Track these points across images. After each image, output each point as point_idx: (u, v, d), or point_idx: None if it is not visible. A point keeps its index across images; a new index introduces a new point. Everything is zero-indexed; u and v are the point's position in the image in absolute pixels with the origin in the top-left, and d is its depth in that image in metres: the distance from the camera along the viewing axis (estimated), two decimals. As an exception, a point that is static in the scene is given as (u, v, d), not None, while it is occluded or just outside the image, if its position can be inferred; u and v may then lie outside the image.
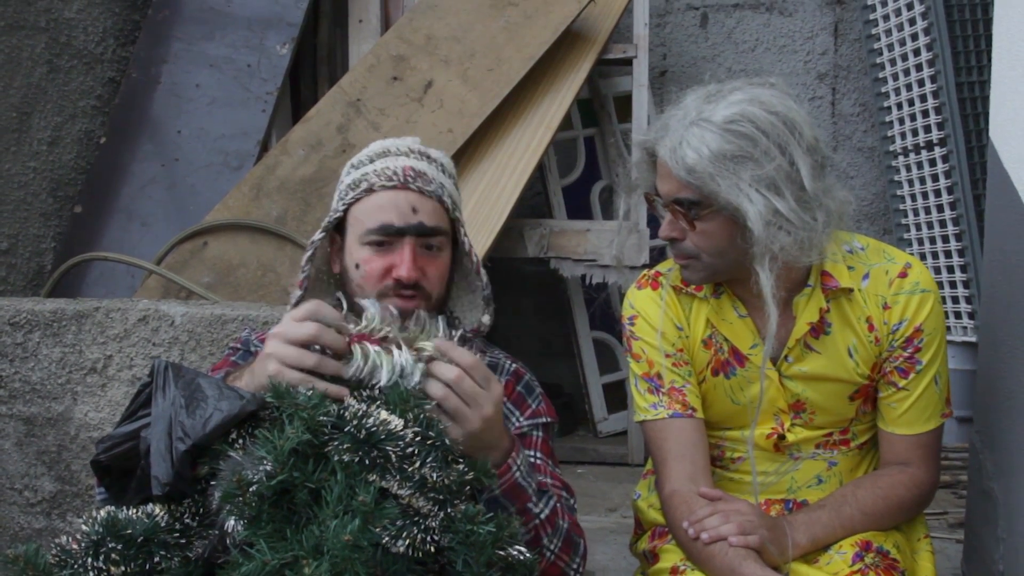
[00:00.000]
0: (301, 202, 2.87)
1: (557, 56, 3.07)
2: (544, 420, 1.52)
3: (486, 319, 1.51)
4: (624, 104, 3.45)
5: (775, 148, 1.41)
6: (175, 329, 2.23)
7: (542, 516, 1.34)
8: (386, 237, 1.41)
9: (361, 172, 1.45)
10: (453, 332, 1.39)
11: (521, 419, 1.49)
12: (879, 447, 1.60)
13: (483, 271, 1.51)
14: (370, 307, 1.28)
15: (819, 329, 1.54)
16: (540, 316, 3.86)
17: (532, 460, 1.45)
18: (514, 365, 1.55)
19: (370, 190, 1.43)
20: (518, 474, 1.31)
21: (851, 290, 1.52)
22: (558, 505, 1.38)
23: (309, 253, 1.48)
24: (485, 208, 2.87)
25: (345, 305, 1.43)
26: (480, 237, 2.80)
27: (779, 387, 1.56)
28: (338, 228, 1.48)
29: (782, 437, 1.58)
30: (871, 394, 1.58)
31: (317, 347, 1.22)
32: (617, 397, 3.60)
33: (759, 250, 1.41)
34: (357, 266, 1.42)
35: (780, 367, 1.55)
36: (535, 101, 3.02)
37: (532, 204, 3.72)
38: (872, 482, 1.55)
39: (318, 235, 1.47)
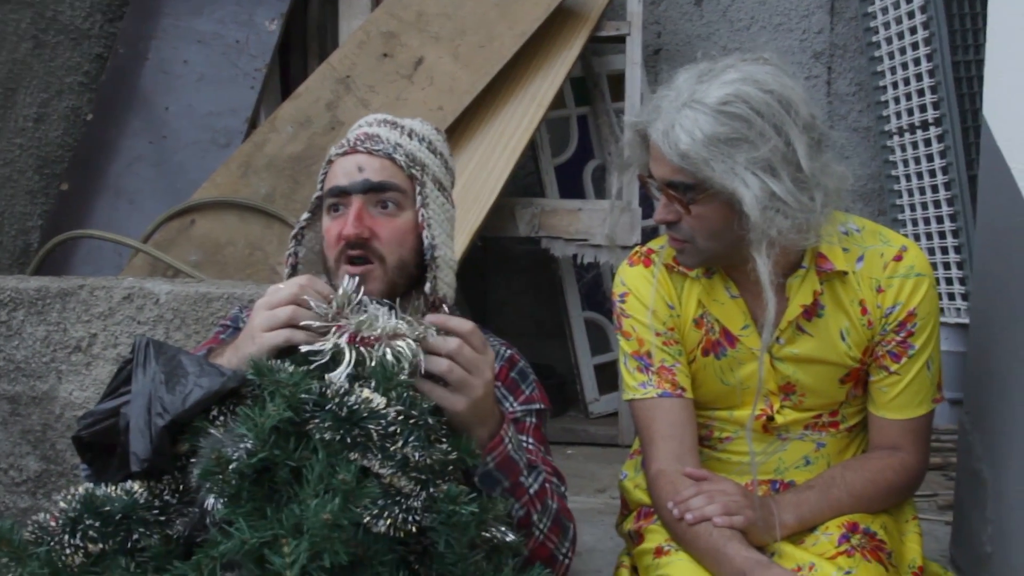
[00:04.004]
0: (290, 180, 2.84)
1: (549, 33, 3.03)
2: (537, 407, 1.50)
3: (427, 287, 1.37)
4: (618, 82, 3.41)
5: (770, 129, 1.37)
6: (160, 307, 2.21)
7: (531, 491, 1.33)
8: (337, 199, 1.42)
9: (332, 151, 1.49)
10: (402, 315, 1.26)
11: (515, 404, 1.48)
12: (869, 431, 1.59)
13: (428, 231, 1.39)
14: (346, 283, 1.27)
15: (812, 311, 1.52)
16: (531, 296, 3.84)
17: (524, 445, 1.43)
18: (509, 351, 1.53)
19: (330, 162, 1.46)
20: (510, 446, 1.31)
21: (845, 272, 1.50)
22: (547, 485, 1.37)
23: (293, 232, 1.49)
24: (476, 186, 2.84)
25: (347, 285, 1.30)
26: (471, 215, 2.78)
27: (770, 369, 1.54)
28: None
29: (771, 418, 1.57)
30: (862, 378, 1.57)
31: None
32: (609, 378, 3.58)
33: (756, 236, 1.38)
34: (323, 237, 1.44)
35: (771, 349, 1.54)
36: (527, 78, 2.98)
37: (524, 183, 3.69)
38: (861, 464, 1.54)
39: (304, 216, 1.49)
